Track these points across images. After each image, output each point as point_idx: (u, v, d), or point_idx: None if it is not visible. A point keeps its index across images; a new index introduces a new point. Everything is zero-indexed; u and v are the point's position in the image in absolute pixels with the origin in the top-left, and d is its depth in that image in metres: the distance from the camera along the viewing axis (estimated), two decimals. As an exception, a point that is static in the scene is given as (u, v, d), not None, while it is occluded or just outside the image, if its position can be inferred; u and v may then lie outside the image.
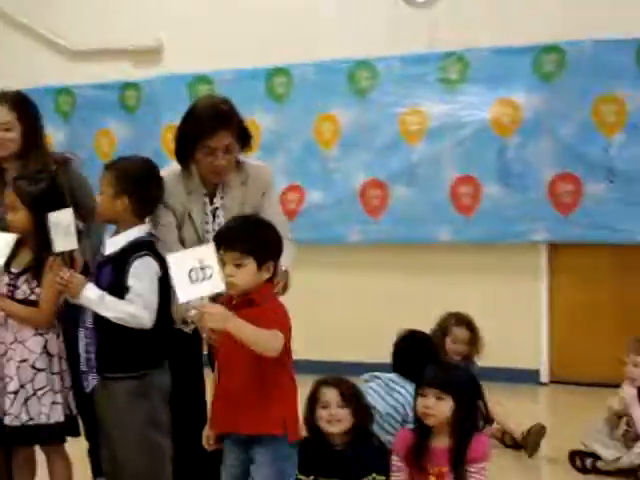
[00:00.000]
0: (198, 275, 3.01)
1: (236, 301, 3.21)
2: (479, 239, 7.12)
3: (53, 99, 8.40)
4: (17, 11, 8.61)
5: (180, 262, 3.06)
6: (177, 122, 7.37)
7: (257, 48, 7.61)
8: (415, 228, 7.24)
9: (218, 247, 3.20)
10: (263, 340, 3.07)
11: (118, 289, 3.54)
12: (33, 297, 3.78)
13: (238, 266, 3.17)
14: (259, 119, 7.28)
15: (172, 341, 3.69)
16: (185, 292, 3.03)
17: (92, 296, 3.53)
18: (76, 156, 4.49)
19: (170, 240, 3.75)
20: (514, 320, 7.04)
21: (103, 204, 3.67)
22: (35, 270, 3.78)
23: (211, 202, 3.82)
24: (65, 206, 3.76)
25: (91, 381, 3.66)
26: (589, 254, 7.08)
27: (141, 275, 3.55)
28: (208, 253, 3.04)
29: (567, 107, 6.86)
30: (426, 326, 5.28)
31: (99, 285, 3.57)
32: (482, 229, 7.07)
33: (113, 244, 3.65)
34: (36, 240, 3.78)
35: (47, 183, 3.87)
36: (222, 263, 3.15)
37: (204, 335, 3.55)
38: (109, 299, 3.53)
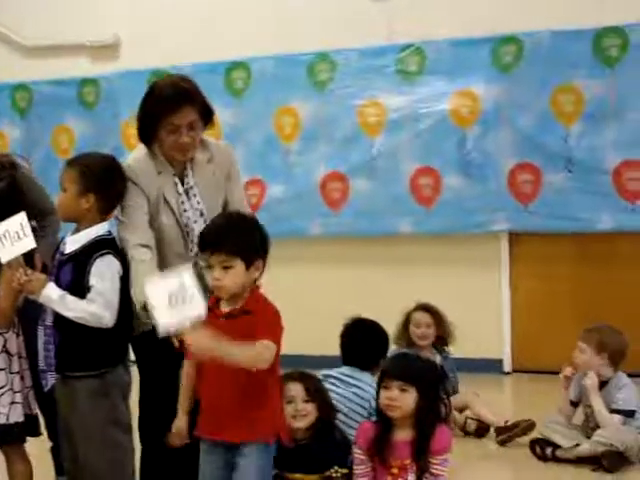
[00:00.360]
0: (178, 299, 2.92)
1: (228, 311, 3.14)
2: (440, 230, 7.14)
3: (9, 95, 8.33)
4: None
5: (158, 287, 2.97)
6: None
7: (215, 43, 7.58)
8: (376, 220, 7.26)
9: (203, 250, 3.18)
10: (252, 357, 3.00)
11: (79, 288, 3.50)
12: (-9, 296, 3.75)
13: (226, 269, 3.09)
14: (218, 114, 7.19)
15: (147, 337, 3.54)
16: (167, 319, 2.93)
17: (53, 295, 3.49)
18: (27, 161, 4.45)
19: (135, 220, 3.64)
20: (476, 310, 7.07)
21: (67, 202, 3.57)
22: (-7, 269, 3.74)
23: (182, 182, 3.74)
24: (25, 205, 3.74)
25: (50, 379, 3.63)
26: (549, 243, 7.13)
27: (103, 274, 3.50)
28: (186, 275, 2.95)
29: (526, 97, 6.90)
30: (388, 318, 5.28)
31: (59, 284, 3.52)
32: (443, 220, 7.10)
33: (74, 242, 3.59)
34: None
35: (7, 182, 3.85)
36: (209, 266, 3.14)
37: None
38: (70, 299, 3.48)
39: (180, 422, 3.31)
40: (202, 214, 3.72)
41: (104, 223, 3.63)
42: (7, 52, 8.44)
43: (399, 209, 7.18)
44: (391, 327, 5.37)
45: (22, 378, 3.79)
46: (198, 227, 3.64)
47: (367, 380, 4.35)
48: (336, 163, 7.35)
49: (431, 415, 3.65)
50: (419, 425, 3.62)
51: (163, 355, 3.52)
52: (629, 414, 4.83)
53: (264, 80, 7.52)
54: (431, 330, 5.54)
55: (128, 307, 3.59)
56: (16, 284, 3.50)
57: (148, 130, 3.67)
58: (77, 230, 3.62)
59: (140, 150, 3.75)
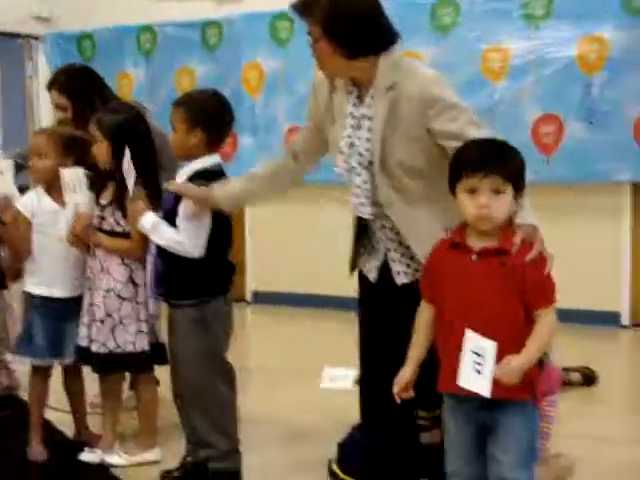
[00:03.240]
0: (479, 366, 2.72)
1: (478, 252, 2.80)
2: (560, 179, 6.99)
3: (135, 38, 8.47)
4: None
5: (470, 341, 2.73)
6: (258, 60, 7.37)
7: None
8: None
9: (473, 171, 2.77)
10: (547, 344, 2.82)
11: (175, 216, 3.65)
12: (119, 229, 3.88)
13: (496, 193, 2.76)
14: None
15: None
16: (469, 380, 2.73)
17: (147, 224, 3.68)
18: (144, 108, 4.62)
19: (296, 139, 3.65)
20: (595, 261, 6.93)
21: (178, 142, 3.70)
22: (118, 202, 3.86)
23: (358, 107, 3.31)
24: (146, 139, 3.88)
25: (151, 304, 3.92)
26: (675, 194, 6.93)
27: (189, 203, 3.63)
28: (489, 350, 2.69)
29: (656, 44, 6.66)
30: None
31: (163, 212, 3.72)
32: (563, 169, 6.94)
33: (182, 175, 3.73)
34: (118, 171, 3.86)
35: (126, 115, 3.94)
36: (471, 191, 2.78)
37: None
38: (162, 227, 3.65)
39: (405, 372, 2.98)
40: (354, 145, 3.28)
41: (213, 155, 3.72)
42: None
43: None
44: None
45: (147, 307, 3.94)
46: (351, 158, 3.30)
47: None
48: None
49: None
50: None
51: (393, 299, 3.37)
52: None
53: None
54: None
55: (225, 239, 3.74)
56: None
57: None
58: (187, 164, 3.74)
59: None
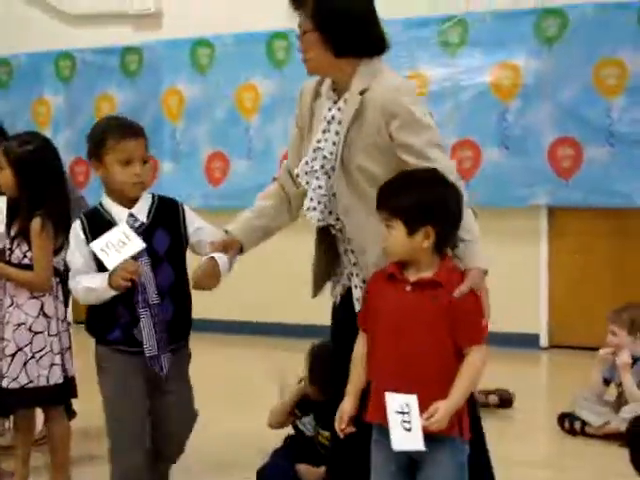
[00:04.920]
0: (406, 424, 2.65)
1: (415, 280, 2.76)
2: (478, 203, 7.03)
3: (53, 64, 8.39)
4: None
5: (392, 403, 2.67)
6: (178, 86, 7.29)
7: (257, 13, 7.54)
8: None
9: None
10: (475, 382, 2.75)
11: (179, 244, 3.47)
12: (26, 261, 3.81)
13: (388, 228, 2.78)
14: (259, 83, 7.36)
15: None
16: (402, 442, 2.67)
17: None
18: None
19: (287, 161, 3.44)
20: (513, 285, 7.00)
21: (148, 172, 3.51)
22: (24, 234, 3.79)
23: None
24: (55, 171, 3.81)
25: (164, 362, 3.45)
26: (589, 218, 7.06)
27: (197, 216, 3.54)
28: (412, 404, 2.64)
29: (568, 70, 6.81)
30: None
31: (159, 249, 3.41)
32: (482, 193, 7.02)
33: (141, 210, 3.42)
34: (22, 202, 3.80)
35: (35, 146, 3.88)
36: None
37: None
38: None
39: (345, 406, 2.89)
40: (320, 149, 3.16)
41: None
42: (52, 20, 8.50)
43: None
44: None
45: (60, 340, 3.87)
46: (315, 161, 3.18)
47: None
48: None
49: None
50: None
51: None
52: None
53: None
54: None
55: None
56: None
57: None
58: (132, 201, 3.44)
59: None
